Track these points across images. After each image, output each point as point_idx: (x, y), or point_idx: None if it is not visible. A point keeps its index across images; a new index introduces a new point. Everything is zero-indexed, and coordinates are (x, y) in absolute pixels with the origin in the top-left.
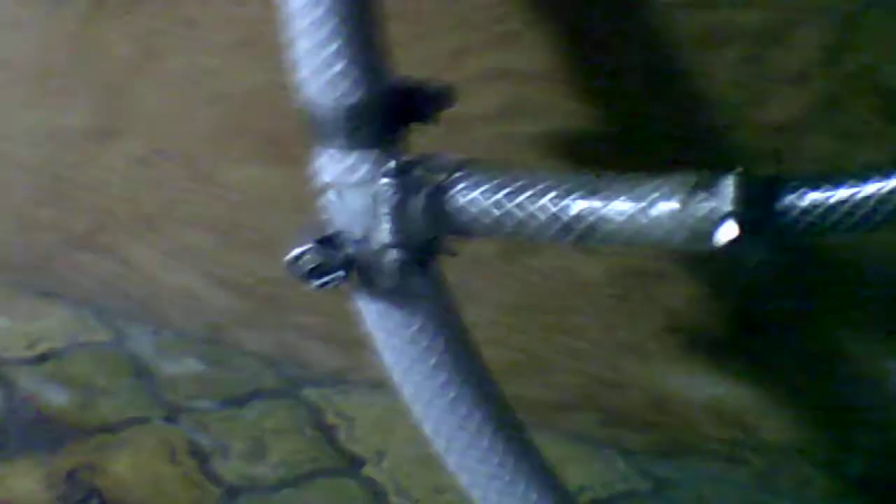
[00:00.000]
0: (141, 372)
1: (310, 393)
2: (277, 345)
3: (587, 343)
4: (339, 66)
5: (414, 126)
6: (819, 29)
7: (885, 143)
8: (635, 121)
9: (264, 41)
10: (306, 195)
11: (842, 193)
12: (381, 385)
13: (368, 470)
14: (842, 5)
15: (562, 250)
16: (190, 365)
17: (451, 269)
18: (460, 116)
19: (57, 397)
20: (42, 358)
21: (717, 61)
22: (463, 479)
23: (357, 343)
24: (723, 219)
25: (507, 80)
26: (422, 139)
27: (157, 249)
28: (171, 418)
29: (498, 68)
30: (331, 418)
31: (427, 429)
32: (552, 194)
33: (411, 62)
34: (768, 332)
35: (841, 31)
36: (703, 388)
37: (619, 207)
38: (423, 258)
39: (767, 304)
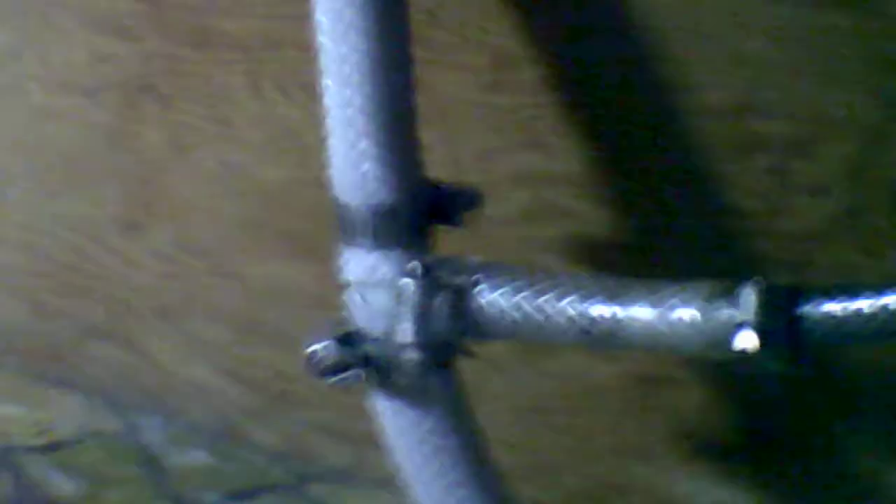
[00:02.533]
0: (150, 463)
1: (317, 488)
2: (287, 439)
3: (596, 446)
4: (366, 166)
5: (440, 227)
6: (843, 142)
7: None
8: (658, 226)
9: (291, 140)
10: (327, 292)
11: (859, 305)
12: (388, 483)
13: None
14: (865, 120)
15: (576, 353)
16: (199, 457)
17: (466, 369)
18: (484, 218)
19: (65, 486)
20: (52, 446)
21: (742, 170)
22: None
23: (366, 440)
24: (741, 327)
25: (532, 183)
26: (445, 239)
27: (174, 342)
28: None
29: (523, 172)
30: None
31: None
32: (572, 298)
33: (438, 164)
34: (777, 441)
35: (864, 144)
36: (710, 493)
37: (639, 313)
38: (441, 358)
39: (777, 411)
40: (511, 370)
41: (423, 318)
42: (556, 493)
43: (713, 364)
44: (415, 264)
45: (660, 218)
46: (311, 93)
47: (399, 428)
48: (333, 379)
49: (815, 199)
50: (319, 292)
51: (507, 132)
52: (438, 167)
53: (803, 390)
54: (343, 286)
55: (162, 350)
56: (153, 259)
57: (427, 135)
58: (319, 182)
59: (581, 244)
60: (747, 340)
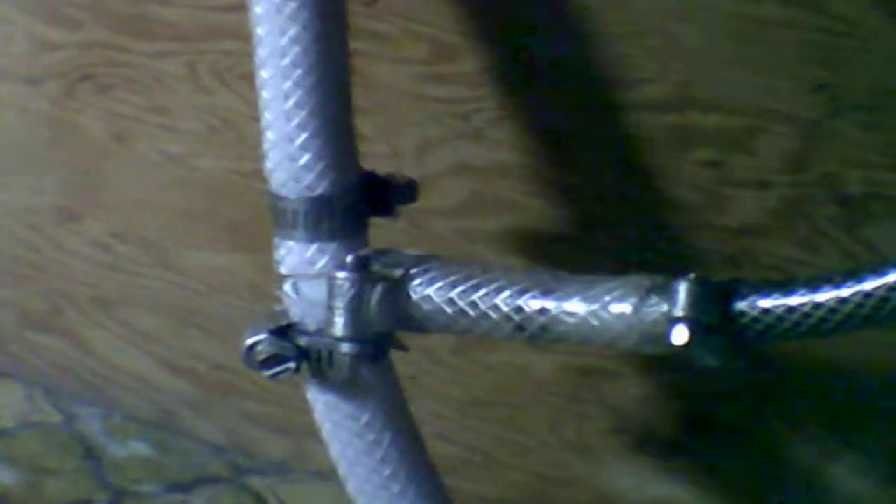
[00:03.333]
0: (89, 454)
1: (255, 481)
2: (226, 432)
3: (535, 440)
4: (303, 160)
5: (376, 219)
6: (782, 136)
7: (843, 251)
8: (597, 220)
9: (230, 131)
10: (267, 283)
11: (793, 301)
12: (326, 476)
13: None
14: (806, 114)
15: (515, 347)
16: (138, 449)
17: (405, 363)
18: (423, 210)
19: (4, 476)
20: None
21: (681, 164)
22: None
23: (305, 433)
24: (673, 323)
25: (471, 175)
26: (383, 231)
27: (113, 333)
28: (115, 502)
29: (462, 163)
30: None
31: None
32: (506, 293)
33: (377, 155)
34: (716, 434)
35: (804, 139)
36: (648, 488)
37: (572, 309)
38: (375, 352)
39: (716, 406)
40: (450, 363)
41: (356, 311)
42: (495, 487)
43: (653, 358)
44: (349, 258)
45: (600, 211)
46: (250, 83)
47: (334, 421)
48: (270, 372)
49: (755, 192)
50: (259, 283)
51: (447, 124)
52: (378, 159)
53: (743, 386)
54: (280, 279)
55: (101, 341)
56: (92, 249)
57: (367, 126)
58: (259, 173)
59: (521, 236)
60: (679, 336)
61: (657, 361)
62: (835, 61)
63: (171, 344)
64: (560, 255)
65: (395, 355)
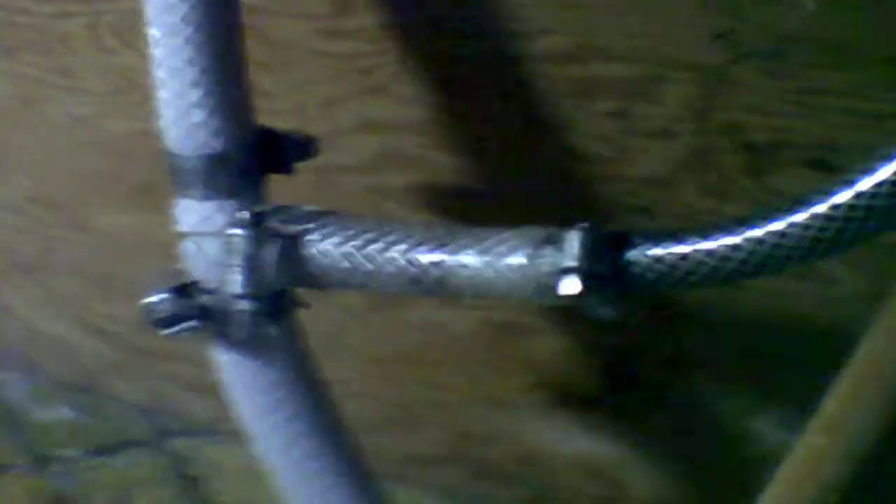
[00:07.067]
0: (12, 419)
1: (179, 442)
2: (149, 394)
3: (456, 397)
4: (197, 117)
5: (274, 176)
6: (686, 85)
7: (751, 199)
8: (504, 173)
9: (137, 90)
10: (177, 244)
11: (685, 249)
12: None
13: None
14: (708, 61)
15: (434, 303)
16: (62, 413)
17: (325, 321)
18: (331, 167)
19: None
20: None
21: (585, 115)
22: None
23: None
24: (565, 273)
25: (378, 131)
26: (291, 189)
27: (32, 296)
28: (38, 466)
29: (368, 119)
30: (198, 469)
31: (278, 480)
32: (400, 246)
33: (282, 112)
34: (637, 388)
35: (708, 87)
36: (571, 442)
37: (468, 260)
38: (276, 310)
39: (636, 361)
40: (370, 321)
41: (252, 268)
42: (417, 444)
43: (570, 313)
44: (244, 214)
45: (508, 164)
46: None
47: (240, 380)
48: (168, 331)
49: (661, 142)
50: (172, 244)
51: (350, 80)
52: (283, 116)
53: (663, 340)
54: (179, 237)
55: (20, 305)
56: (6, 213)
57: (269, 83)
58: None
59: (430, 191)
60: (569, 286)
61: (575, 315)
62: (734, 8)
63: (90, 306)
64: (471, 208)
65: (314, 313)
